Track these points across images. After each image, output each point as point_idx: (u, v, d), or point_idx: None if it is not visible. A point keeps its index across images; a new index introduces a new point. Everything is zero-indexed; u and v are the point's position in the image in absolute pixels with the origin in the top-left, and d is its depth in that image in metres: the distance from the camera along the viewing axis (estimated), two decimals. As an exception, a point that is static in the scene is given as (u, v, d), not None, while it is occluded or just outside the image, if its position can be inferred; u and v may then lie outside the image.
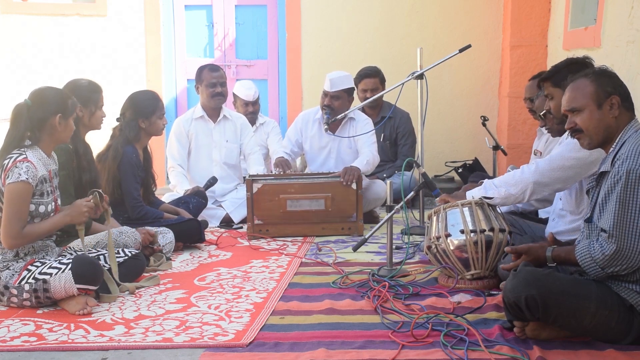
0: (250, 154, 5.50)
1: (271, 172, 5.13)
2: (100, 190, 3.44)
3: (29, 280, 3.17)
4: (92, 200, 3.36)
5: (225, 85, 5.42)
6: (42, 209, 3.26)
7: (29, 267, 3.22)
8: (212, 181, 5.16)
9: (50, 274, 3.15)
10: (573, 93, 2.76)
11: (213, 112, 5.43)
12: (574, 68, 3.19)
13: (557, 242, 2.91)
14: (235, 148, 5.51)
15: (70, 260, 3.20)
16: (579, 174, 3.38)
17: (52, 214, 3.33)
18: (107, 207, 3.50)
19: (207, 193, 5.10)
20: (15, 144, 3.26)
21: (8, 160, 3.19)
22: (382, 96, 5.30)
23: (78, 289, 3.14)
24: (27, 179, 3.15)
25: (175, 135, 5.39)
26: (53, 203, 3.34)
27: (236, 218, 5.28)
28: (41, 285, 3.15)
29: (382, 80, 5.92)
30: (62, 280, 3.13)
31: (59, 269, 3.16)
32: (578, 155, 3.28)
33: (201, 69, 5.43)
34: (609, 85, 2.72)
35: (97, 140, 4.49)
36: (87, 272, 3.17)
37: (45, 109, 3.28)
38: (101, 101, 3.99)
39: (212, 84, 5.34)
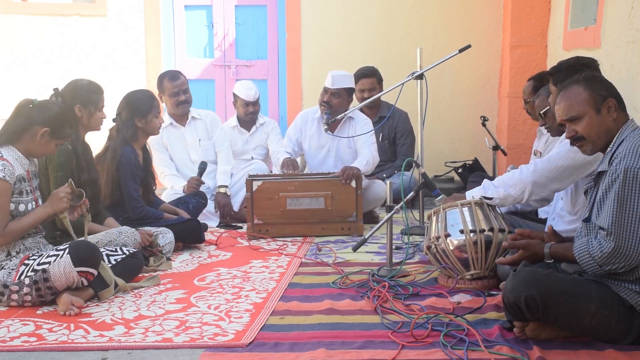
0: (220, 151, 5.50)
1: (271, 172, 5.13)
2: (82, 189, 3.41)
3: (29, 274, 3.17)
4: (68, 187, 3.32)
5: (188, 92, 5.36)
6: (22, 207, 3.25)
7: (26, 261, 3.22)
8: (203, 166, 5.16)
9: (49, 262, 3.16)
10: (568, 102, 2.74)
11: (180, 117, 5.43)
12: (577, 70, 3.17)
13: (556, 235, 2.91)
14: (210, 145, 5.50)
15: (67, 246, 3.20)
16: (576, 174, 3.38)
17: None
18: (85, 212, 3.45)
19: (205, 190, 5.11)
20: (7, 136, 3.26)
21: None
22: (380, 96, 5.31)
23: (78, 272, 3.14)
24: (3, 176, 3.14)
25: (152, 147, 5.38)
26: (33, 202, 3.33)
27: (235, 206, 5.30)
28: (41, 276, 3.15)
29: (380, 80, 5.92)
30: (62, 266, 3.13)
31: (57, 255, 3.17)
32: (576, 155, 3.28)
33: (161, 79, 5.37)
34: (602, 89, 2.71)
35: (96, 141, 4.49)
36: (85, 254, 3.17)
37: (40, 115, 3.27)
38: (101, 102, 3.97)
39: (174, 94, 5.30)
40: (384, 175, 5.42)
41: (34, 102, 3.31)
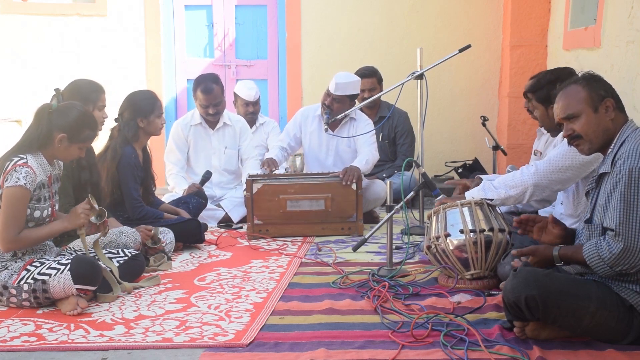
0: (247, 158, 5.47)
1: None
2: (104, 209, 3.41)
3: (28, 280, 3.17)
4: (87, 203, 3.33)
5: (219, 104, 5.29)
6: (37, 214, 3.26)
7: (28, 267, 3.21)
8: (207, 175, 5.16)
9: (50, 275, 3.15)
10: (566, 100, 2.75)
11: (211, 121, 5.41)
12: (558, 83, 3.19)
13: (557, 222, 2.91)
14: (235, 154, 5.48)
15: (69, 261, 3.19)
16: (577, 175, 3.39)
17: (47, 219, 3.32)
18: (103, 231, 3.47)
19: (207, 194, 5.10)
20: (33, 144, 3.27)
21: (9, 163, 3.20)
22: (380, 96, 5.31)
23: (77, 289, 3.14)
24: (25, 184, 3.15)
25: (174, 141, 5.37)
26: (50, 209, 3.33)
27: (235, 217, 5.28)
28: (40, 286, 3.15)
29: (380, 80, 5.92)
30: (61, 281, 3.13)
31: (58, 269, 3.16)
32: (576, 155, 3.29)
33: (196, 86, 5.29)
34: (600, 88, 2.72)
35: (96, 141, 4.49)
36: (86, 272, 3.17)
37: (58, 121, 3.28)
38: (101, 101, 3.97)
39: (204, 106, 5.28)
40: (384, 175, 5.43)
41: (52, 107, 3.31)
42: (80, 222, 3.32)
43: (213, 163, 5.41)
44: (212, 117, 5.32)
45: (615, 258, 2.54)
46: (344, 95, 5.06)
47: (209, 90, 5.24)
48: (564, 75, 3.41)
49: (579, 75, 2.80)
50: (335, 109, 5.06)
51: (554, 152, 3.49)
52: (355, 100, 5.28)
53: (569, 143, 2.81)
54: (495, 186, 3.61)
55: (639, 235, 2.51)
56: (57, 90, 3.61)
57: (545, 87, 3.41)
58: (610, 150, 2.70)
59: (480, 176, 3.84)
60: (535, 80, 3.59)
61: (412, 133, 5.98)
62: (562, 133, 2.92)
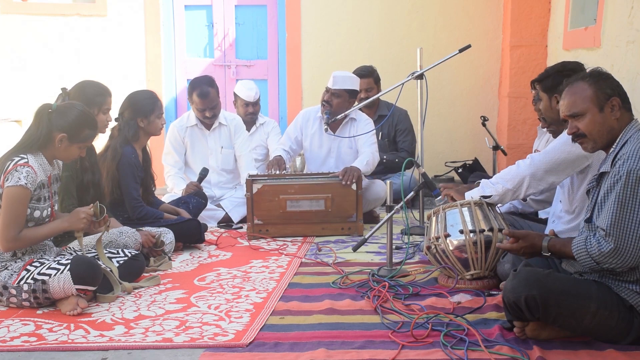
0: (240, 155, 5.45)
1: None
2: (103, 205, 3.41)
3: (28, 281, 3.17)
4: (92, 209, 3.35)
5: (215, 107, 5.28)
6: (37, 214, 3.26)
7: (28, 267, 3.21)
8: (204, 172, 5.15)
9: (49, 275, 3.15)
10: (572, 97, 2.73)
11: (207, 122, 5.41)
12: (565, 74, 3.19)
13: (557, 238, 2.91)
14: (231, 153, 5.48)
15: (69, 261, 3.19)
16: (572, 167, 3.38)
17: (47, 219, 3.33)
18: (105, 226, 3.46)
19: (207, 194, 5.10)
20: (34, 145, 3.27)
21: (9, 162, 3.20)
22: (379, 96, 5.31)
23: (77, 289, 3.14)
24: (25, 184, 3.15)
25: (171, 143, 5.37)
26: (49, 209, 3.34)
27: (235, 217, 5.27)
28: (40, 286, 3.15)
29: (377, 80, 5.92)
30: (61, 281, 3.13)
31: (58, 269, 3.16)
32: (571, 148, 3.29)
33: (191, 90, 5.26)
34: (607, 87, 2.70)
35: (96, 141, 4.49)
36: (86, 272, 3.17)
37: (59, 121, 3.28)
38: (106, 105, 3.96)
39: (200, 110, 5.27)
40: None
41: (52, 107, 3.31)
42: (80, 226, 3.32)
43: (210, 163, 5.41)
44: (208, 119, 5.33)
45: (603, 257, 2.54)
46: (342, 89, 5.06)
47: (205, 95, 5.23)
48: (570, 66, 3.41)
49: (587, 71, 2.79)
50: (335, 105, 5.04)
51: (552, 145, 3.50)
52: (355, 101, 5.27)
53: (573, 140, 2.81)
54: (492, 182, 3.62)
55: (630, 237, 2.51)
56: (63, 89, 3.60)
57: (552, 76, 3.39)
58: (612, 149, 2.69)
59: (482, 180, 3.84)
60: (544, 71, 3.58)
61: (412, 131, 5.98)
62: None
